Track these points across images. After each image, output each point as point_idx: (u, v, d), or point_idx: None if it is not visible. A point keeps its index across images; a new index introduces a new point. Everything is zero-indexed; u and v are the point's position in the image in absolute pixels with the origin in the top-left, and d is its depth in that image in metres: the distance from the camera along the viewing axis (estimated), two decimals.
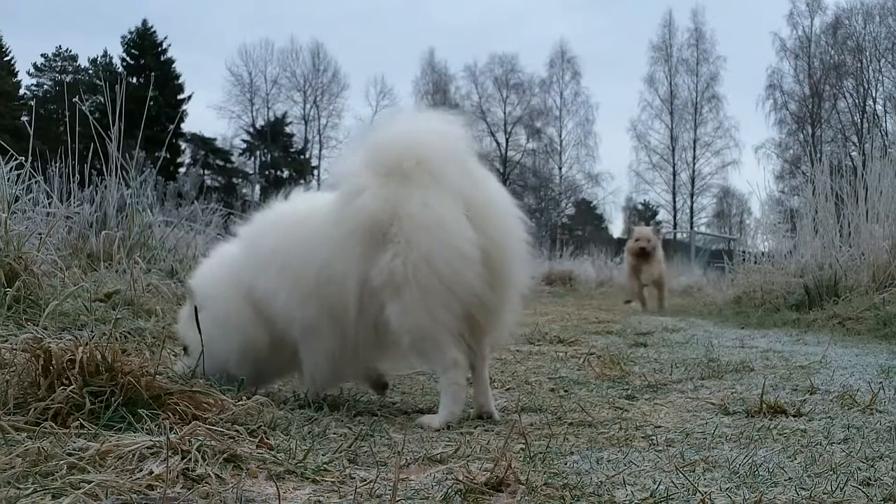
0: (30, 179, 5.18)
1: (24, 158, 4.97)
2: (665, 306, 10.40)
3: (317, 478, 1.70)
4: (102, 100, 6.16)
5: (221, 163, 47.72)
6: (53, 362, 2.01)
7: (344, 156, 2.77)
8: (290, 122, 49.40)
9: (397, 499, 1.56)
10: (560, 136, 48.62)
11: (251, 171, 48.97)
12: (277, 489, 1.55)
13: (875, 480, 1.72)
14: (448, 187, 2.34)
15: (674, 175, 46.48)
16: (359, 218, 2.38)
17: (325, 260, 2.48)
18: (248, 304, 2.69)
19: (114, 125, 5.91)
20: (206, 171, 43.72)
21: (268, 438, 1.95)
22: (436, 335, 2.37)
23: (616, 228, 47.38)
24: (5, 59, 41.82)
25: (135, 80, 40.79)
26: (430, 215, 2.31)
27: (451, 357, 2.40)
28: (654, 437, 2.22)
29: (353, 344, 2.54)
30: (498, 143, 48.28)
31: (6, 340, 2.73)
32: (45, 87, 44.38)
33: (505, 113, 48.84)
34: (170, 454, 1.63)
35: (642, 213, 46.35)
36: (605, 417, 2.54)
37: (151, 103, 13.00)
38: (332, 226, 2.47)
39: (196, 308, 2.66)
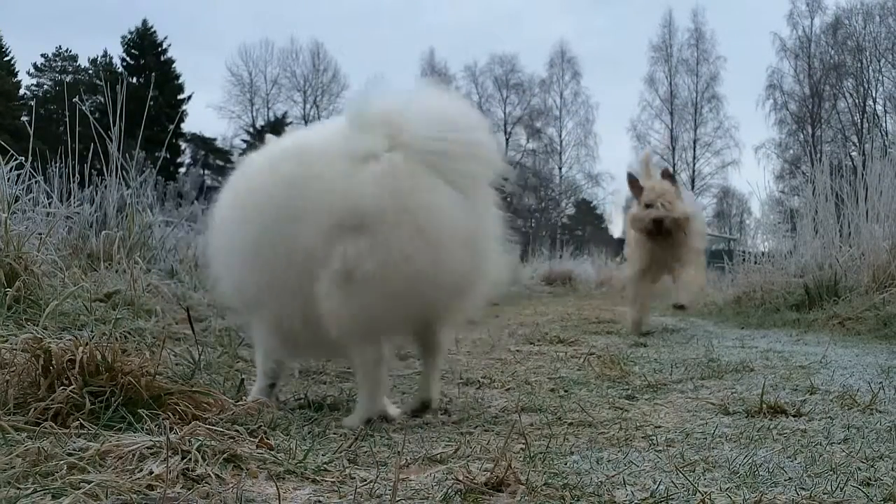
0: (30, 179, 5.18)
1: (24, 158, 4.96)
2: (688, 300, 5.80)
3: (317, 478, 1.70)
4: (102, 100, 6.16)
5: (221, 163, 47.70)
6: (53, 362, 2.01)
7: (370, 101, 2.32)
8: (290, 122, 49.31)
9: (397, 499, 1.56)
10: (560, 136, 48.72)
11: None
12: (277, 489, 1.55)
13: (875, 480, 1.72)
14: (485, 190, 2.29)
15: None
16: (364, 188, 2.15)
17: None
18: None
19: (114, 125, 5.91)
20: (206, 171, 43.72)
21: (268, 438, 1.95)
22: (369, 330, 2.25)
23: (616, 228, 47.40)
24: (5, 59, 41.81)
25: (135, 80, 40.80)
26: (439, 206, 2.16)
27: (374, 355, 2.30)
28: (654, 437, 2.22)
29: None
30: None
31: (6, 340, 2.73)
32: (45, 87, 44.37)
33: (505, 113, 48.87)
34: (170, 454, 1.63)
35: None
36: (605, 417, 2.53)
37: (151, 103, 12.99)
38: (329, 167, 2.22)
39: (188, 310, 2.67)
